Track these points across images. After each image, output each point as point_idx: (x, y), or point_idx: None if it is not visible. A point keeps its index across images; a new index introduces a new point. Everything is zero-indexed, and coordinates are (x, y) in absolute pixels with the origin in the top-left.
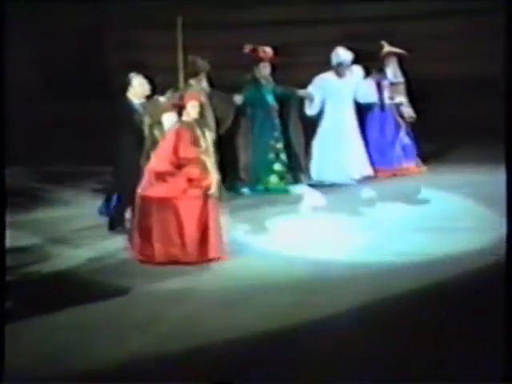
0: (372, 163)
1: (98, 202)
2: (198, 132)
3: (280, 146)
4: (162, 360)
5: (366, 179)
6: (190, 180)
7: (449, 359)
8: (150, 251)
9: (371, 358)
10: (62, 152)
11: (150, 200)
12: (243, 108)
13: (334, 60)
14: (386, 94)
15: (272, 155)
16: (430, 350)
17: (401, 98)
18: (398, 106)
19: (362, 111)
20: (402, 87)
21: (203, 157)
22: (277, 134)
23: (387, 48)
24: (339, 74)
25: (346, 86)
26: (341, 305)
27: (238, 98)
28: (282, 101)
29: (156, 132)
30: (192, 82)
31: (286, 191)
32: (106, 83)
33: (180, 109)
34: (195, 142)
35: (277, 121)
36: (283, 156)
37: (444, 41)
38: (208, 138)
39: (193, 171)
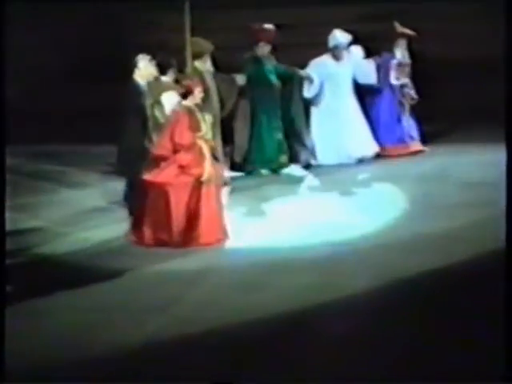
0: (380, 143)
1: (108, 183)
2: (199, 116)
3: (282, 125)
4: (176, 346)
5: (372, 159)
6: (181, 166)
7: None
8: (140, 234)
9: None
10: (76, 134)
11: (145, 184)
12: (243, 89)
13: (331, 43)
14: (393, 74)
15: (276, 135)
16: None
17: (405, 80)
18: (402, 87)
19: (371, 91)
20: (407, 69)
21: (200, 142)
22: (279, 113)
23: (399, 29)
24: (336, 57)
25: (344, 69)
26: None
27: (241, 78)
28: (284, 80)
29: (157, 112)
30: (197, 63)
31: (288, 171)
32: (122, 66)
33: (187, 92)
34: (195, 127)
35: (279, 99)
36: (281, 135)
37: (448, 23)
38: (208, 122)
39: (184, 157)
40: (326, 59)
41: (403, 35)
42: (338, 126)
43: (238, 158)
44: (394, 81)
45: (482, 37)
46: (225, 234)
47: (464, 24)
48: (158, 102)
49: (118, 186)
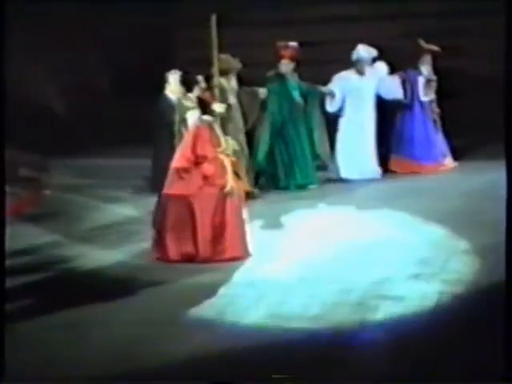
0: (416, 160)
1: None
2: (218, 132)
3: (305, 142)
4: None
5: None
6: (205, 177)
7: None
8: (164, 250)
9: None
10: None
11: (167, 197)
12: (266, 103)
13: (354, 56)
14: (422, 90)
15: (298, 150)
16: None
17: (433, 95)
18: (430, 102)
19: (400, 108)
20: (434, 84)
21: (221, 156)
22: (302, 129)
23: (424, 45)
24: (359, 72)
25: (367, 84)
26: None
27: (263, 92)
28: (305, 97)
29: (183, 129)
30: (222, 80)
31: (310, 186)
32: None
33: (204, 106)
34: (214, 142)
35: (302, 117)
36: (304, 151)
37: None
38: (230, 140)
39: (208, 168)
40: (349, 73)
41: (428, 51)
42: (361, 140)
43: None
44: (423, 97)
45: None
46: (247, 251)
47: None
48: (184, 120)
49: (152, 200)
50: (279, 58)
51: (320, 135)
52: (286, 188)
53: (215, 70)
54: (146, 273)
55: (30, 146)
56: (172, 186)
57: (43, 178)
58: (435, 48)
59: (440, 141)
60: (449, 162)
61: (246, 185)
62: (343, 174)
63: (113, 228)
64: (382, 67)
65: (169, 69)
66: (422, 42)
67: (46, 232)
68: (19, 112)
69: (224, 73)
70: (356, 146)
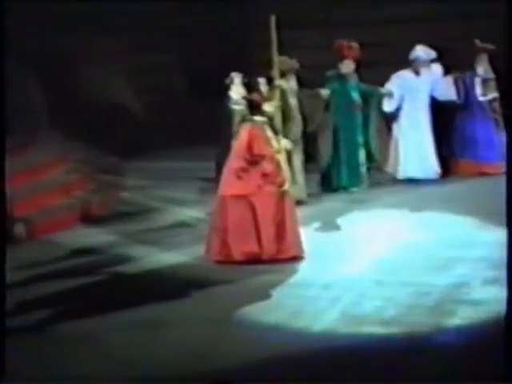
0: (479, 160)
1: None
2: (269, 133)
3: (362, 142)
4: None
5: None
6: (264, 175)
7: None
8: (227, 251)
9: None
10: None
11: (225, 199)
12: (327, 105)
13: (412, 56)
14: (479, 91)
15: (355, 152)
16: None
17: (494, 94)
18: (491, 102)
19: (458, 110)
20: (493, 83)
21: (277, 155)
22: (360, 130)
23: (479, 45)
24: (415, 71)
25: (423, 83)
26: None
27: (325, 92)
28: (364, 98)
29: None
30: (281, 81)
31: (361, 188)
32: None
33: (253, 107)
34: (267, 142)
35: (360, 117)
36: (363, 153)
37: None
38: (283, 141)
39: (267, 166)
40: (406, 73)
41: (484, 50)
42: (419, 139)
43: (325, 173)
44: (480, 97)
45: None
46: (304, 251)
47: None
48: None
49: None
50: (341, 58)
51: (377, 138)
52: (344, 189)
53: (275, 71)
54: (212, 273)
55: (105, 148)
56: (231, 187)
57: (118, 181)
58: (490, 47)
59: (500, 141)
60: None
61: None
62: (401, 173)
63: (178, 229)
64: (437, 69)
65: (242, 70)
66: (478, 42)
67: (110, 233)
68: (94, 115)
69: (283, 74)
70: (413, 145)
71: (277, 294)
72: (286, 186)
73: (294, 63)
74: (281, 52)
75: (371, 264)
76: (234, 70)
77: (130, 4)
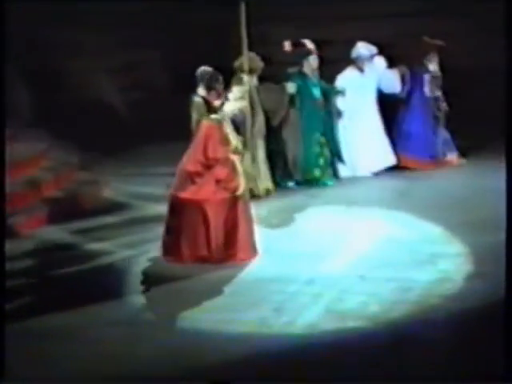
0: (416, 156)
1: None
2: (228, 129)
3: (324, 140)
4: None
5: (392, 169)
6: (217, 181)
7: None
8: (179, 252)
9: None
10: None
11: (180, 201)
12: (293, 99)
13: (353, 54)
14: (427, 87)
15: (318, 149)
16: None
17: (438, 92)
18: (436, 99)
19: (404, 104)
20: (439, 81)
21: (232, 157)
22: (322, 127)
23: (429, 41)
24: (359, 69)
25: (368, 80)
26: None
27: (291, 86)
28: (325, 96)
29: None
30: (246, 78)
31: (328, 185)
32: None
33: (210, 106)
34: (224, 141)
35: (322, 114)
36: (327, 150)
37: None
38: (238, 136)
39: (221, 171)
40: (350, 71)
41: (433, 47)
42: (373, 134)
43: (292, 170)
44: (428, 93)
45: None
46: (256, 250)
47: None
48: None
49: None
50: (308, 54)
51: (337, 133)
52: (301, 185)
53: (245, 64)
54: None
55: (87, 145)
56: (185, 189)
57: (100, 178)
58: (440, 42)
59: (444, 137)
60: (453, 158)
61: (267, 182)
62: (360, 169)
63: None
64: (380, 62)
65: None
66: (427, 39)
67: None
68: (77, 112)
69: (250, 70)
70: (368, 140)
71: (259, 290)
72: (240, 191)
73: (260, 63)
74: (252, 48)
75: (354, 260)
76: (218, 68)
77: (115, 2)
